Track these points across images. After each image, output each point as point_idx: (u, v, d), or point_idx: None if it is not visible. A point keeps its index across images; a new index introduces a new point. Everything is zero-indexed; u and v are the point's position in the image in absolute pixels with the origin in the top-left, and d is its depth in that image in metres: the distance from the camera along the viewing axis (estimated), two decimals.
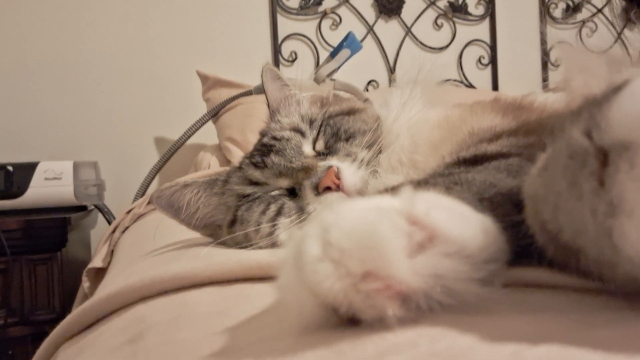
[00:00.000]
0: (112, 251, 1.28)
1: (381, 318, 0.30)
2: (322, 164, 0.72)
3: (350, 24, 2.24)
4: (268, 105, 0.90)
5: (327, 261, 0.30)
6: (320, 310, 0.31)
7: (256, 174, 0.78)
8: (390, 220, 0.30)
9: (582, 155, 0.28)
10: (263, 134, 0.85)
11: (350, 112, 0.83)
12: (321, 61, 1.83)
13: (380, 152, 0.75)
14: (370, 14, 2.30)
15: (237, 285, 0.52)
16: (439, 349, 0.28)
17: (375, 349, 0.29)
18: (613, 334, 0.28)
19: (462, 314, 0.32)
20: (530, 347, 0.27)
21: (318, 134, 0.79)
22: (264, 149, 0.79)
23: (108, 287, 0.61)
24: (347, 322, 0.31)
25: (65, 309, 1.47)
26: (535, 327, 0.30)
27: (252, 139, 0.88)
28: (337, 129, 0.78)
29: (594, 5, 2.53)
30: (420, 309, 0.31)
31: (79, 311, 0.57)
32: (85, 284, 1.25)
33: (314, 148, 0.78)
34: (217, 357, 0.34)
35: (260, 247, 0.71)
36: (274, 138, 0.80)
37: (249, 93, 1.72)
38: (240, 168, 0.82)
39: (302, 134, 0.79)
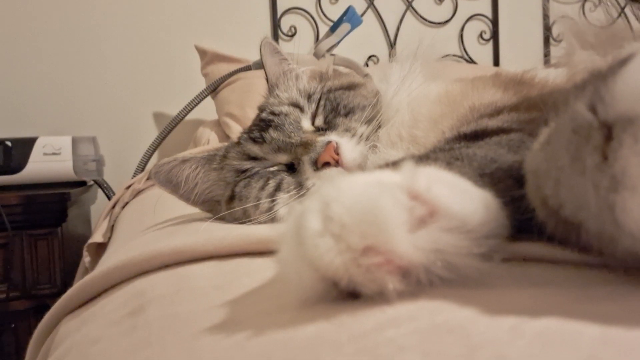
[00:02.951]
0: (112, 226, 1.28)
1: (381, 292, 0.30)
2: (321, 139, 0.72)
3: None
4: (267, 80, 0.89)
5: (328, 236, 0.30)
6: (320, 284, 0.31)
7: (255, 149, 0.77)
8: (392, 195, 0.30)
9: (586, 130, 0.28)
10: (261, 109, 0.84)
11: (350, 87, 0.82)
12: (321, 36, 1.81)
13: (379, 127, 0.74)
14: None
15: (237, 260, 0.52)
16: (438, 322, 0.29)
17: (375, 321, 0.29)
18: (612, 308, 0.28)
19: (462, 288, 0.32)
20: (530, 320, 0.27)
21: (317, 108, 0.78)
22: (262, 124, 0.79)
23: (109, 261, 0.61)
24: (347, 296, 0.32)
25: (67, 284, 1.48)
26: (535, 300, 0.30)
27: (251, 115, 0.88)
28: (337, 104, 0.78)
29: None
30: (420, 283, 0.31)
31: (80, 285, 0.57)
32: (86, 258, 1.26)
33: (313, 123, 0.78)
34: (217, 330, 0.34)
35: (259, 223, 0.71)
36: (273, 113, 0.79)
37: (247, 68, 1.71)
38: (238, 143, 0.82)
39: (301, 108, 0.79)
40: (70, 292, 0.58)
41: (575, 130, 0.29)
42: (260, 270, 0.47)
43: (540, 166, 0.33)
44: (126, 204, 1.36)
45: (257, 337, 0.31)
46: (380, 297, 0.31)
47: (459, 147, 0.50)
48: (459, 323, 0.28)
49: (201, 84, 1.86)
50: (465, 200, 0.33)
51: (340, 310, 0.31)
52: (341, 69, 1.47)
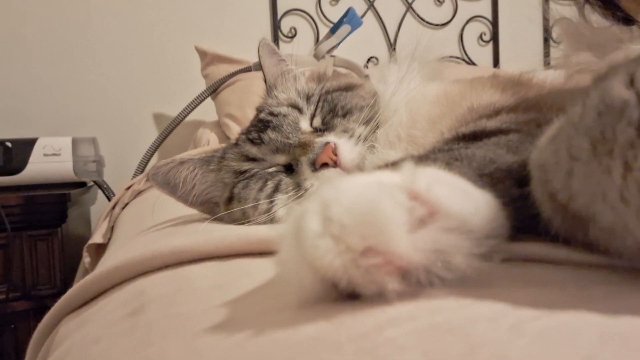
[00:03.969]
0: (112, 227, 1.28)
1: (381, 293, 0.30)
2: (319, 140, 0.72)
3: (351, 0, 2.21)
4: (265, 81, 0.89)
5: (328, 237, 0.30)
6: (320, 285, 0.31)
7: (253, 150, 0.78)
8: (391, 195, 0.30)
9: (620, 107, 0.28)
10: (260, 110, 0.85)
11: (348, 88, 0.83)
12: (321, 37, 1.81)
13: (377, 127, 0.74)
14: None
15: (237, 260, 0.53)
16: (438, 321, 0.29)
17: (375, 321, 0.30)
18: (611, 308, 0.28)
19: (462, 288, 0.32)
20: (529, 320, 0.27)
21: (315, 109, 0.78)
22: (260, 125, 0.79)
23: (109, 261, 0.61)
24: (347, 296, 0.32)
25: (66, 284, 1.48)
26: (535, 300, 0.30)
27: (251, 116, 0.88)
28: (334, 105, 0.78)
29: None
30: (420, 283, 0.31)
31: (80, 285, 0.57)
32: (86, 259, 1.26)
33: (311, 124, 0.78)
34: (218, 330, 0.34)
35: (257, 224, 0.71)
36: (271, 114, 0.79)
37: (248, 69, 1.71)
38: (236, 144, 0.82)
39: (299, 109, 0.79)
40: (70, 292, 0.58)
41: (601, 112, 0.29)
42: (260, 270, 0.47)
43: (549, 160, 0.33)
44: (126, 204, 1.36)
45: (258, 337, 0.31)
46: (380, 298, 0.31)
47: (458, 147, 0.50)
48: (459, 323, 0.28)
49: (201, 85, 1.87)
50: (465, 200, 0.33)
51: (340, 311, 0.31)
52: (341, 70, 1.47)
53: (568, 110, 0.32)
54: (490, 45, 2.41)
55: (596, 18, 0.62)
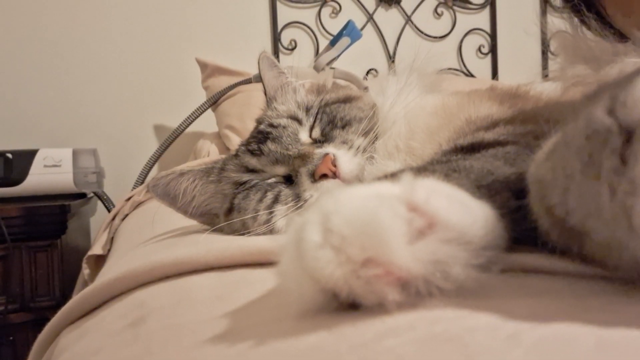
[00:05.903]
0: (112, 238, 1.28)
1: (381, 303, 0.31)
2: (319, 151, 0.72)
3: (350, 12, 2.23)
4: (265, 93, 0.90)
5: (328, 248, 0.30)
6: (320, 295, 0.31)
7: (253, 162, 0.78)
8: (391, 207, 0.31)
9: (604, 134, 0.28)
10: (259, 122, 0.85)
11: (347, 100, 0.83)
12: (321, 49, 1.83)
13: (376, 139, 0.75)
14: (370, 2, 2.29)
15: (238, 271, 0.53)
16: (436, 331, 0.29)
17: (374, 331, 0.30)
18: (607, 318, 0.29)
19: (460, 298, 0.32)
20: (527, 329, 0.28)
21: (314, 121, 0.79)
22: (260, 136, 0.80)
23: (109, 272, 0.61)
24: (348, 306, 0.32)
25: (66, 296, 1.47)
26: (532, 310, 0.30)
27: (251, 127, 0.89)
28: (333, 117, 0.79)
29: None
30: (419, 293, 0.31)
31: (80, 296, 0.57)
32: (86, 271, 1.26)
33: (310, 135, 0.79)
34: (219, 340, 0.35)
35: (257, 234, 0.71)
36: (271, 125, 0.80)
37: (248, 81, 1.72)
38: (236, 155, 0.82)
39: (299, 121, 0.80)
40: (70, 303, 0.58)
41: (589, 136, 0.29)
42: (260, 281, 0.47)
43: (546, 175, 0.33)
44: (126, 216, 1.36)
45: (259, 347, 0.31)
46: (380, 308, 0.31)
47: (456, 159, 0.51)
48: (457, 332, 0.29)
49: (202, 97, 1.88)
50: (463, 211, 0.33)
51: (340, 321, 0.31)
52: (341, 82, 1.48)
53: (563, 128, 0.33)
54: (489, 58, 2.43)
55: (591, 34, 0.62)
